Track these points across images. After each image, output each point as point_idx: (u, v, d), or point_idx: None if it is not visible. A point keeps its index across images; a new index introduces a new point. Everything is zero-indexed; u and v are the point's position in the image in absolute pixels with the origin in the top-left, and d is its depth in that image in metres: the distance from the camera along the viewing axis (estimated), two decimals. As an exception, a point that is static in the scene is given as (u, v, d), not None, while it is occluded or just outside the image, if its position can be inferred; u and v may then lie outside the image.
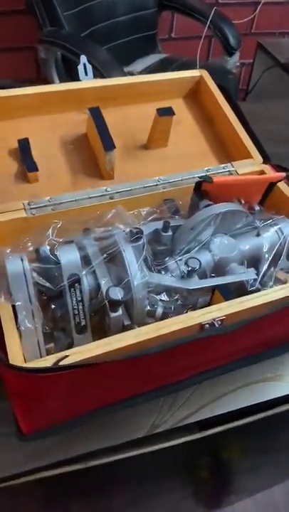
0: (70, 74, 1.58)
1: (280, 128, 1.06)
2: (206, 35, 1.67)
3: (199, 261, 0.54)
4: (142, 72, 1.75)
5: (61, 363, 0.41)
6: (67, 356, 0.42)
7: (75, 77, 1.63)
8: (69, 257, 0.48)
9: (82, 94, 0.71)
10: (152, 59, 1.84)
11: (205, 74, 0.78)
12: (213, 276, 0.56)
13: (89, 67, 0.75)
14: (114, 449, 0.55)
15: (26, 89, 0.68)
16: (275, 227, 0.61)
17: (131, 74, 1.71)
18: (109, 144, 0.64)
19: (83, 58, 0.75)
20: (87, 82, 0.72)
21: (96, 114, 0.66)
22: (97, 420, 0.53)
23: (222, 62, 1.74)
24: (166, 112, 0.68)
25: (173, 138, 0.73)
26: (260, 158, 0.69)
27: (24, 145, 0.65)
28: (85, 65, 0.75)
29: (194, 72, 0.78)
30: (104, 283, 0.50)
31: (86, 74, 0.77)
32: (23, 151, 0.65)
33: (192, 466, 1.14)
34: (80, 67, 0.75)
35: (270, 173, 0.67)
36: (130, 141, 0.73)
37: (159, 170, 0.69)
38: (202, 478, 1.16)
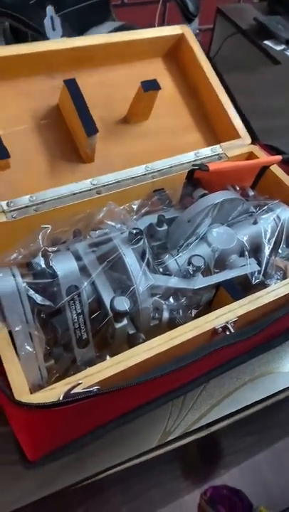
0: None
1: (255, 101, 1.02)
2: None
3: (203, 258, 0.50)
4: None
5: (74, 391, 0.37)
6: (79, 384, 0.37)
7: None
8: (66, 268, 0.43)
9: (52, 56, 0.61)
10: (107, 27, 1.72)
11: (187, 31, 0.70)
12: (216, 272, 0.53)
13: (56, 20, 0.65)
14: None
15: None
16: (272, 213, 0.58)
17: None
18: (91, 128, 0.56)
19: (50, 10, 0.64)
20: (57, 42, 0.62)
21: (73, 89, 0.57)
22: (106, 434, 0.50)
23: (180, 30, 1.66)
24: (151, 86, 0.61)
25: (154, 107, 0.65)
26: (248, 138, 0.65)
27: None
28: (52, 18, 0.64)
29: (175, 29, 0.70)
30: (105, 293, 0.45)
31: (53, 29, 0.66)
32: None
33: (182, 454, 1.15)
34: (47, 21, 0.64)
35: (262, 155, 0.64)
36: (108, 112, 0.64)
37: (141, 148, 0.64)
38: (192, 462, 1.18)
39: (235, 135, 0.66)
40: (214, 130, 0.70)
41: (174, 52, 0.72)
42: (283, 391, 0.60)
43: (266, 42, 1.46)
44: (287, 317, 0.56)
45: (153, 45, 0.69)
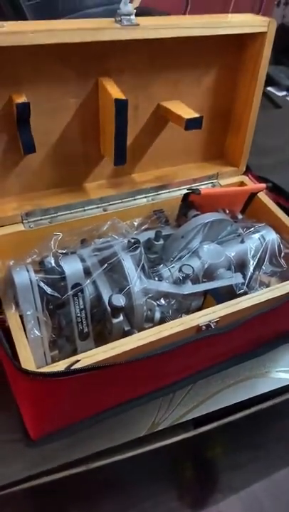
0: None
1: (254, 139, 1.12)
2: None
3: (192, 267, 0.58)
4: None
5: (73, 368, 0.44)
6: (78, 361, 0.44)
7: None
8: (73, 268, 0.51)
9: (100, 49, 0.56)
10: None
11: (272, 28, 0.62)
12: (204, 281, 0.60)
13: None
14: (115, 450, 0.58)
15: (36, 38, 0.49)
16: (258, 234, 0.66)
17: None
18: (121, 159, 0.61)
19: None
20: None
21: (121, 111, 0.56)
22: (100, 422, 0.56)
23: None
24: (194, 126, 0.62)
25: (190, 89, 0.67)
26: (243, 168, 0.74)
27: (24, 112, 0.53)
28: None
29: (261, 24, 0.61)
30: (105, 291, 0.53)
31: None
32: (22, 122, 0.54)
33: (177, 468, 1.17)
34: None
35: (251, 184, 0.72)
36: (143, 101, 0.65)
37: (157, 148, 0.70)
38: (187, 479, 1.19)
39: (236, 162, 0.74)
40: (222, 148, 0.76)
41: (241, 46, 0.66)
42: (267, 398, 0.66)
43: (269, 88, 1.59)
44: (269, 326, 0.62)
45: (225, 40, 0.62)
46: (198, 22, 0.58)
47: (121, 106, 0.56)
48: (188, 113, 0.63)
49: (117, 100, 0.56)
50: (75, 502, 0.94)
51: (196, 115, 0.63)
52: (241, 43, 0.66)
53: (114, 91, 0.57)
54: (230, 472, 1.17)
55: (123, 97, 0.56)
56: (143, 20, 0.55)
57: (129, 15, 0.54)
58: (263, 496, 1.22)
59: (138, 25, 0.54)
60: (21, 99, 0.53)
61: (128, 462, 0.62)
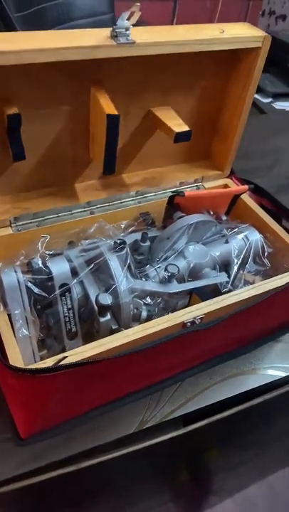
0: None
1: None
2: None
3: (177, 267, 0.59)
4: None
5: (60, 364, 0.45)
6: (65, 357, 0.45)
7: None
8: (60, 268, 0.52)
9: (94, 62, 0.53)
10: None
11: (266, 42, 0.62)
12: (190, 281, 0.62)
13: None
14: (105, 450, 0.59)
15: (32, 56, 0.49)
16: (242, 235, 0.68)
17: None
18: (110, 169, 0.62)
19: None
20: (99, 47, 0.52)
21: (112, 127, 0.57)
22: (90, 420, 0.56)
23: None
24: (183, 138, 0.63)
25: (180, 97, 0.68)
26: (228, 172, 0.76)
27: (15, 124, 0.54)
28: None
29: (256, 40, 0.62)
30: (92, 291, 0.54)
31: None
32: (12, 132, 0.55)
33: (171, 471, 1.17)
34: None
35: (234, 186, 0.74)
36: (135, 103, 0.66)
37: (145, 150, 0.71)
38: (181, 482, 1.19)
39: (222, 166, 0.76)
40: (209, 150, 0.77)
41: (235, 60, 0.67)
42: (253, 396, 0.67)
43: (255, 95, 1.62)
44: (254, 324, 0.64)
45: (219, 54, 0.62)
46: (196, 39, 0.58)
47: (113, 121, 0.56)
48: (178, 125, 0.64)
49: (109, 116, 0.56)
50: (65, 505, 0.94)
51: (186, 128, 0.63)
52: (235, 57, 0.67)
53: (106, 105, 0.57)
54: (225, 473, 1.18)
55: (115, 112, 0.56)
56: (138, 35, 0.54)
57: (126, 30, 0.54)
58: (258, 498, 1.23)
59: (134, 43, 0.54)
60: (12, 111, 0.54)
61: (120, 464, 0.63)
